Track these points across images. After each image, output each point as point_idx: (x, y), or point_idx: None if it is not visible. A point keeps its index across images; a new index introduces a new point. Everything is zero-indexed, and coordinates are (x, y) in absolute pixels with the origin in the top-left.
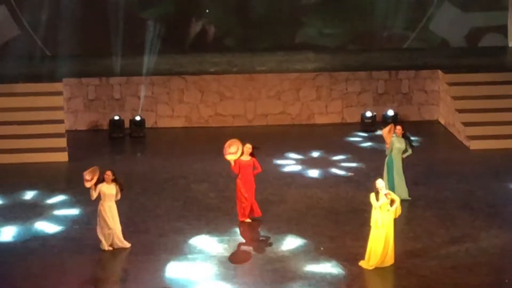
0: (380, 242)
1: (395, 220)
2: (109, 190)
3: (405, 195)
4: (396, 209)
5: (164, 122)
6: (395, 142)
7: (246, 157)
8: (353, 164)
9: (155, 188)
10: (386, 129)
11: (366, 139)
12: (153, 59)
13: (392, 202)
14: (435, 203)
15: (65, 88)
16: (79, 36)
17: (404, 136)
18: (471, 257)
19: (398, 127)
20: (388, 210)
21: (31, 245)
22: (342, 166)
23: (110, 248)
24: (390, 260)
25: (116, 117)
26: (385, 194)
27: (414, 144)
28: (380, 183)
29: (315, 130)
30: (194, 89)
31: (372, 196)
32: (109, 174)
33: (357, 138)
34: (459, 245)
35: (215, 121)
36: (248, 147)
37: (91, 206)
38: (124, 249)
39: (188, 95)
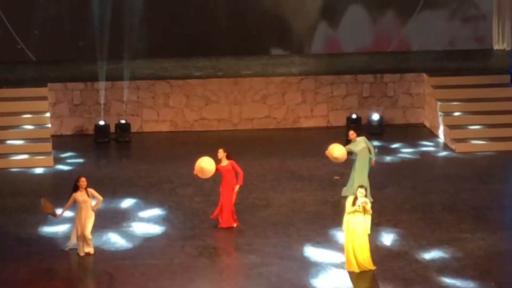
0: (353, 247)
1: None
2: (82, 197)
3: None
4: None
5: (150, 126)
6: (356, 145)
7: (225, 162)
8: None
9: (140, 193)
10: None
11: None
12: (138, 64)
13: (364, 211)
14: (420, 206)
15: (50, 93)
16: (64, 41)
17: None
18: (457, 260)
19: (351, 132)
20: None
21: None
22: (329, 169)
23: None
24: (368, 265)
25: (101, 122)
26: (362, 203)
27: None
28: (360, 191)
29: (300, 134)
30: (179, 94)
31: (349, 200)
32: (83, 181)
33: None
34: (445, 248)
35: (201, 125)
36: (220, 151)
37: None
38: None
39: (173, 99)
